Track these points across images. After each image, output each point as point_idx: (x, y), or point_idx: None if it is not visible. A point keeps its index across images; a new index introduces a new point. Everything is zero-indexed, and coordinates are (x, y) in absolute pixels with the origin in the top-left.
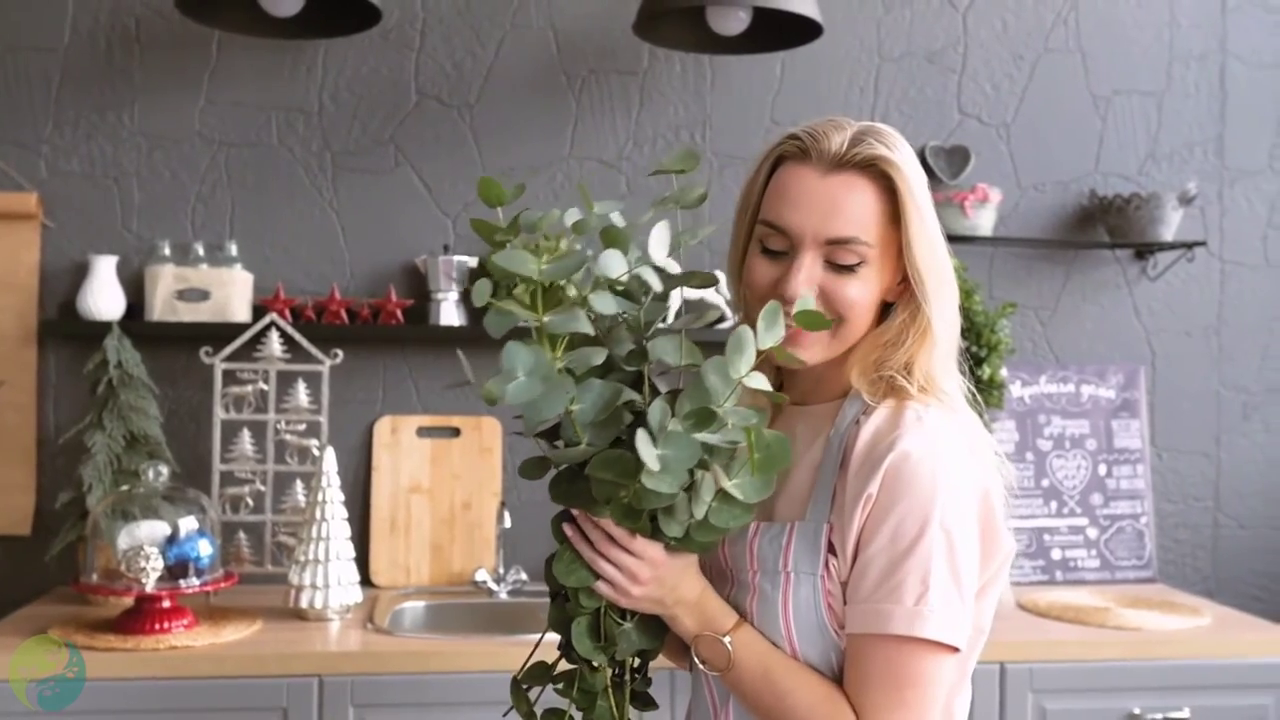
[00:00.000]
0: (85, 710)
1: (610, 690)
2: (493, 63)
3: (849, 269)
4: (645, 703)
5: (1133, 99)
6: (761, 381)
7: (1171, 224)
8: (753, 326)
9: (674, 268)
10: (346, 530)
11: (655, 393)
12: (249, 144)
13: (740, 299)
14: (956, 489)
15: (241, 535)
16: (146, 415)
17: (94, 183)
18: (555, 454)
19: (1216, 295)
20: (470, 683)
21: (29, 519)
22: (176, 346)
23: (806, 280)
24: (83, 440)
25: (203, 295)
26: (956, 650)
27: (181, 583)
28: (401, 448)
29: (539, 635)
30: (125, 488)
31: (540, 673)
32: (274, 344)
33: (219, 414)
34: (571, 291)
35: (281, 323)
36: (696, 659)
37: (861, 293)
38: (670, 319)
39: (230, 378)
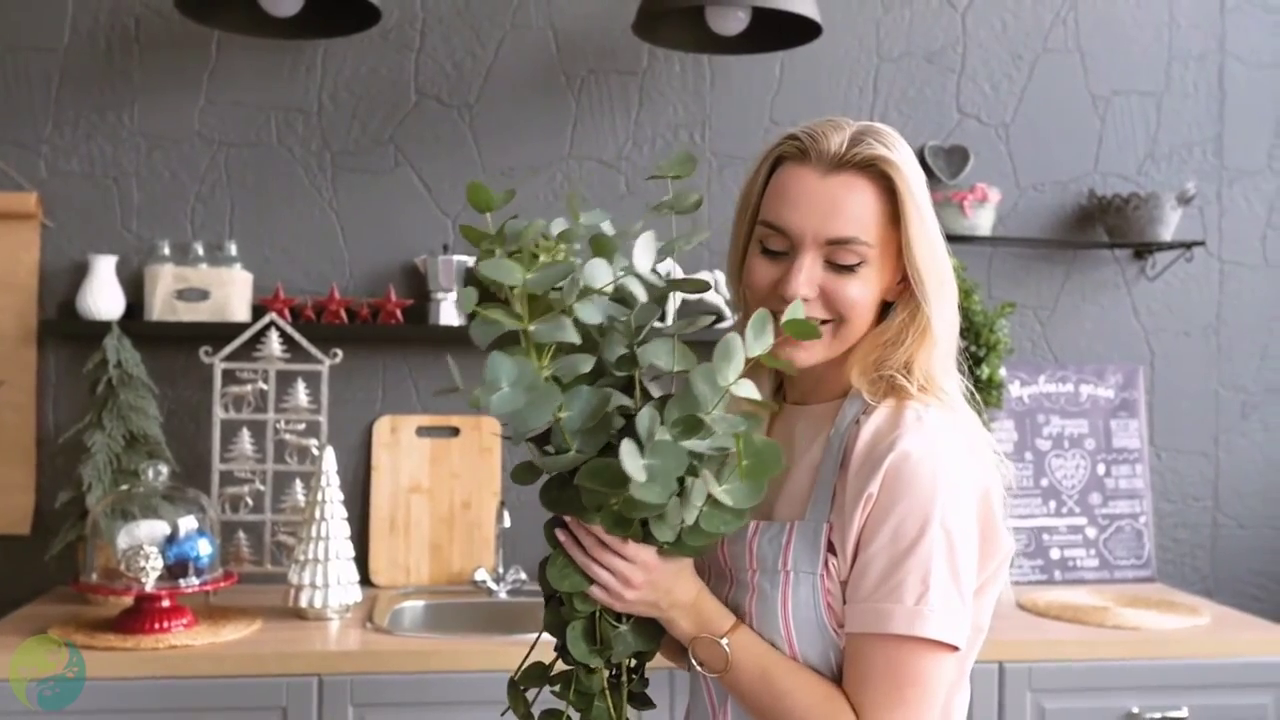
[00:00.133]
0: (85, 710)
1: (607, 692)
2: (492, 63)
3: (849, 269)
4: (643, 703)
5: (1132, 99)
6: (750, 390)
7: (1170, 224)
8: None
9: (676, 271)
10: (346, 530)
11: (647, 397)
12: (248, 144)
13: (740, 299)
14: (956, 488)
15: (241, 535)
16: (146, 415)
17: (94, 182)
18: (543, 462)
19: (1215, 295)
20: (470, 682)
21: (28, 518)
22: (176, 346)
23: (807, 281)
24: (82, 440)
25: (202, 295)
26: (956, 649)
27: (181, 582)
28: (401, 447)
29: (537, 635)
30: (125, 487)
31: (537, 674)
32: (273, 344)
33: (218, 414)
34: (562, 298)
35: (281, 322)
36: (694, 661)
37: (862, 292)
38: (670, 319)
39: (230, 377)
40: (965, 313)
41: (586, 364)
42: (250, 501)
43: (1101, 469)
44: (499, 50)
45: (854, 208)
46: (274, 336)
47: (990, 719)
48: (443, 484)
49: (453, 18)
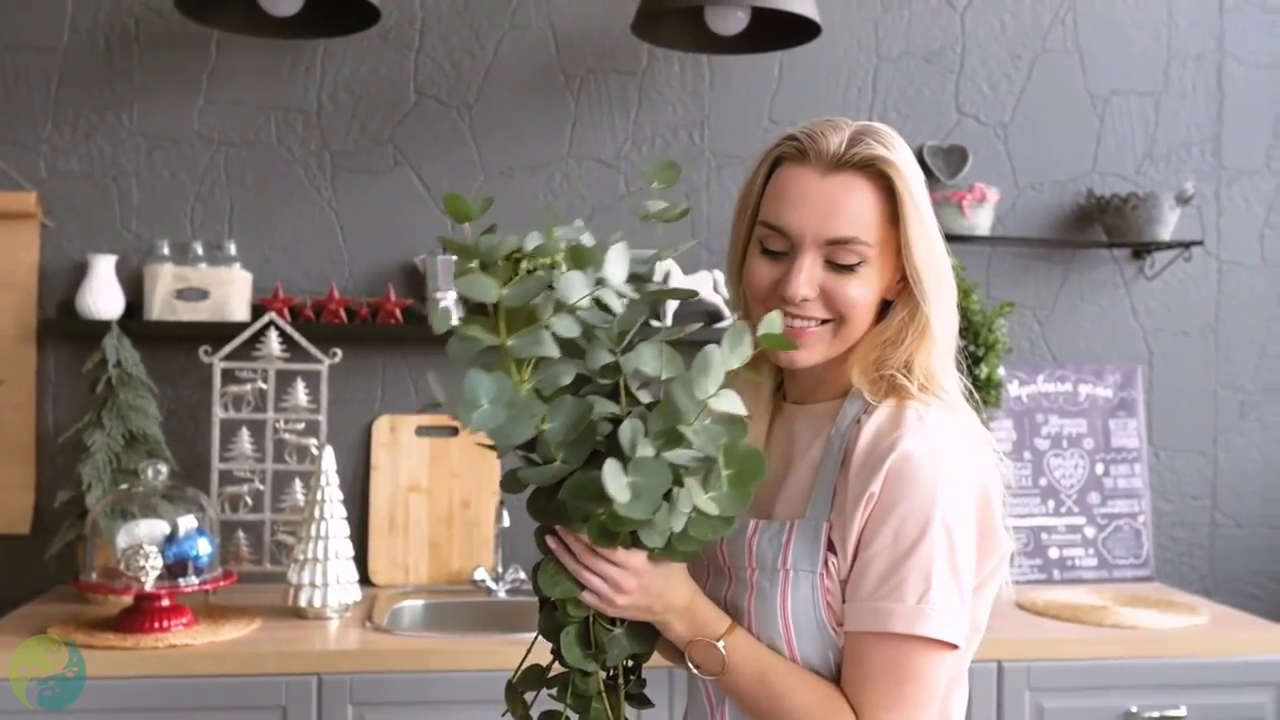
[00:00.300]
0: (84, 709)
1: (604, 694)
2: (491, 62)
3: (849, 269)
4: (641, 702)
5: (1130, 99)
6: (732, 403)
7: (1169, 223)
8: (752, 327)
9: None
10: (345, 529)
11: (634, 403)
12: (248, 144)
13: (740, 299)
14: (957, 488)
15: (240, 534)
16: (145, 414)
17: (93, 182)
18: (527, 475)
19: (1214, 295)
20: (469, 681)
21: (28, 518)
22: (175, 346)
23: (807, 281)
24: (82, 439)
25: (202, 294)
26: (956, 647)
27: (180, 581)
28: (400, 447)
29: (534, 636)
30: (124, 487)
31: (534, 677)
32: (273, 343)
33: (218, 413)
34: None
35: (280, 322)
36: (690, 664)
37: (862, 292)
38: (669, 319)
39: (229, 377)
40: (964, 312)
41: (568, 375)
42: (250, 501)
43: (1100, 468)
44: (498, 50)
45: (853, 208)
46: (273, 336)
47: (989, 718)
48: (442, 483)
49: (452, 17)
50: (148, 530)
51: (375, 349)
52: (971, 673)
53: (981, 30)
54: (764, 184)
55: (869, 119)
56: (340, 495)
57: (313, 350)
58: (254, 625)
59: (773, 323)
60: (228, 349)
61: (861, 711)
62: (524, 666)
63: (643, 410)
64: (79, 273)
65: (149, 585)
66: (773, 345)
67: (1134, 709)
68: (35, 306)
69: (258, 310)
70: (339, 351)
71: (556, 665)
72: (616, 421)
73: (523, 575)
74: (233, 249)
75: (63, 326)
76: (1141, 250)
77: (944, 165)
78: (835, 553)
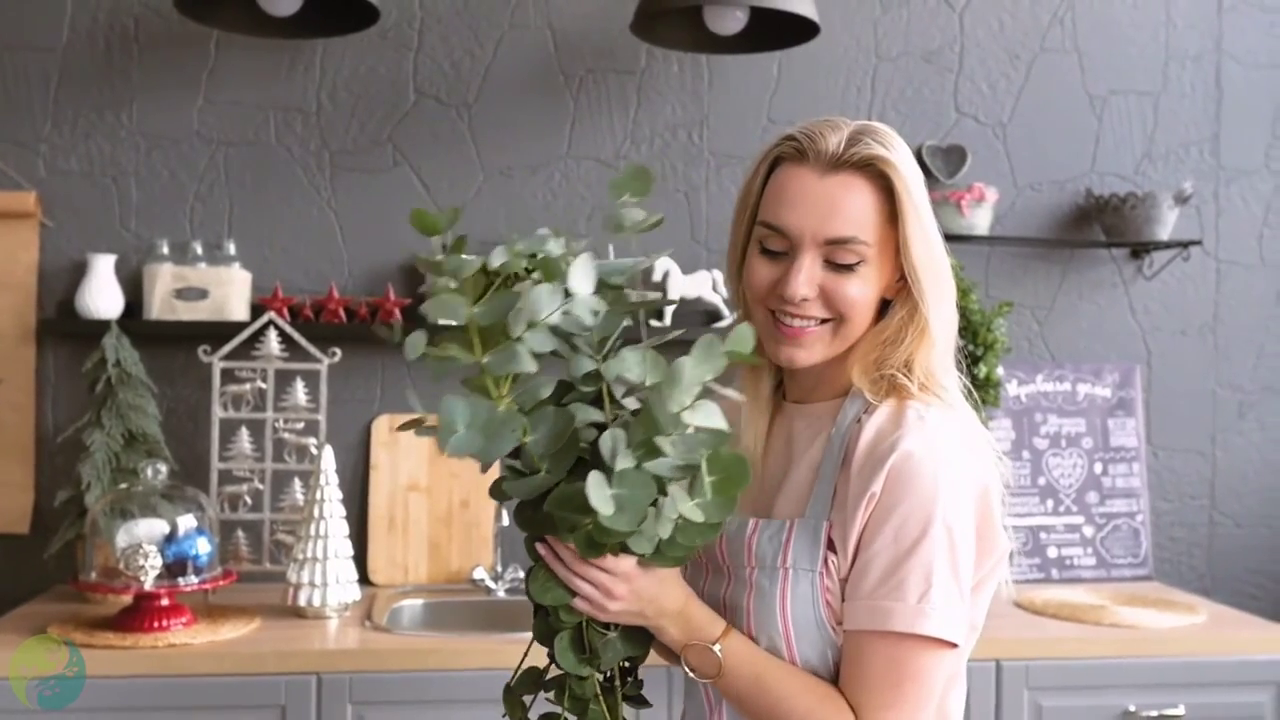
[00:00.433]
0: (84, 708)
1: (601, 696)
2: (491, 62)
3: (848, 268)
4: (639, 703)
5: (1129, 99)
6: (710, 416)
7: (1167, 223)
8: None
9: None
10: (345, 528)
11: (618, 408)
12: (247, 143)
13: (739, 299)
14: (958, 487)
15: (240, 533)
16: (145, 414)
17: (92, 182)
18: (511, 488)
19: (1212, 294)
20: (468, 680)
21: (27, 517)
22: (175, 345)
23: (806, 280)
24: (81, 438)
25: (201, 294)
26: (955, 646)
27: (180, 581)
28: (399, 446)
29: (529, 643)
30: (124, 486)
31: (532, 680)
32: (272, 343)
33: (217, 412)
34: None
35: (280, 321)
36: (686, 668)
37: (861, 291)
38: (668, 318)
39: (228, 376)
40: (963, 312)
41: (547, 388)
42: (249, 500)
43: (1099, 468)
44: (497, 50)
45: (852, 207)
46: (273, 336)
47: (987, 717)
48: (441, 483)
49: (451, 17)
50: (147, 530)
51: (374, 349)
52: (970, 672)
53: (980, 30)
54: (763, 184)
55: (868, 119)
56: (339, 495)
57: (312, 350)
58: (253, 625)
59: (744, 338)
60: (227, 348)
61: (860, 710)
62: (521, 669)
63: (626, 419)
64: (78, 272)
65: (148, 585)
66: (740, 360)
67: (1132, 708)
68: (34, 306)
69: (257, 310)
70: (338, 351)
71: (554, 668)
72: (602, 428)
73: (522, 574)
74: (232, 248)
75: (62, 326)
76: (1140, 250)
77: (943, 165)
78: (835, 552)
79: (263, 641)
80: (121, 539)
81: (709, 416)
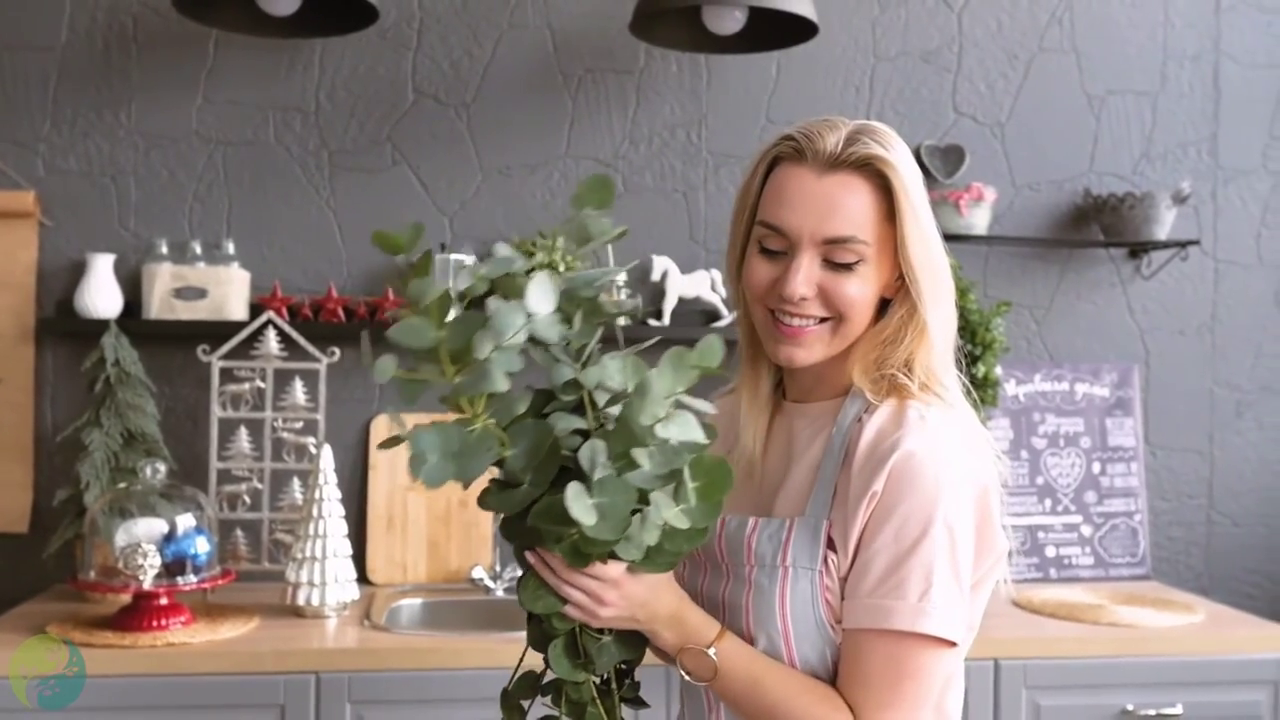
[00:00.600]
0: (82, 707)
1: (598, 700)
2: (489, 62)
3: (847, 267)
4: (637, 704)
5: (1127, 98)
6: (686, 429)
7: (1165, 223)
8: (753, 326)
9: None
10: (343, 528)
11: (599, 415)
12: (246, 143)
13: (739, 299)
14: (959, 488)
15: (239, 533)
16: (144, 413)
17: (91, 181)
18: (494, 502)
19: (1210, 294)
20: (467, 679)
21: (26, 516)
22: (174, 344)
23: (805, 280)
24: (80, 438)
25: (200, 294)
26: (955, 645)
27: (179, 580)
28: (398, 446)
29: (525, 647)
30: (123, 485)
31: (529, 684)
32: (271, 342)
33: (216, 412)
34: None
35: (279, 321)
36: (682, 672)
37: (860, 290)
38: (666, 318)
39: (227, 376)
40: (961, 311)
41: (522, 403)
42: (248, 499)
43: (1097, 467)
44: (496, 49)
45: (850, 207)
46: (271, 335)
47: (986, 716)
48: None
49: (450, 17)
50: (146, 529)
51: (373, 349)
52: (968, 671)
53: (978, 30)
54: (762, 184)
55: (866, 118)
56: (338, 494)
57: (311, 349)
58: (252, 624)
59: (711, 350)
60: (226, 348)
61: (858, 709)
62: (518, 674)
63: (601, 432)
64: (77, 272)
65: (147, 584)
66: (708, 372)
67: (1130, 707)
68: (34, 305)
69: (256, 309)
70: (337, 350)
71: (550, 672)
72: (586, 434)
73: (520, 573)
74: (231, 248)
75: (61, 325)
76: (1138, 250)
77: (941, 165)
78: (835, 550)
79: (261, 641)
80: (120, 538)
81: (684, 428)
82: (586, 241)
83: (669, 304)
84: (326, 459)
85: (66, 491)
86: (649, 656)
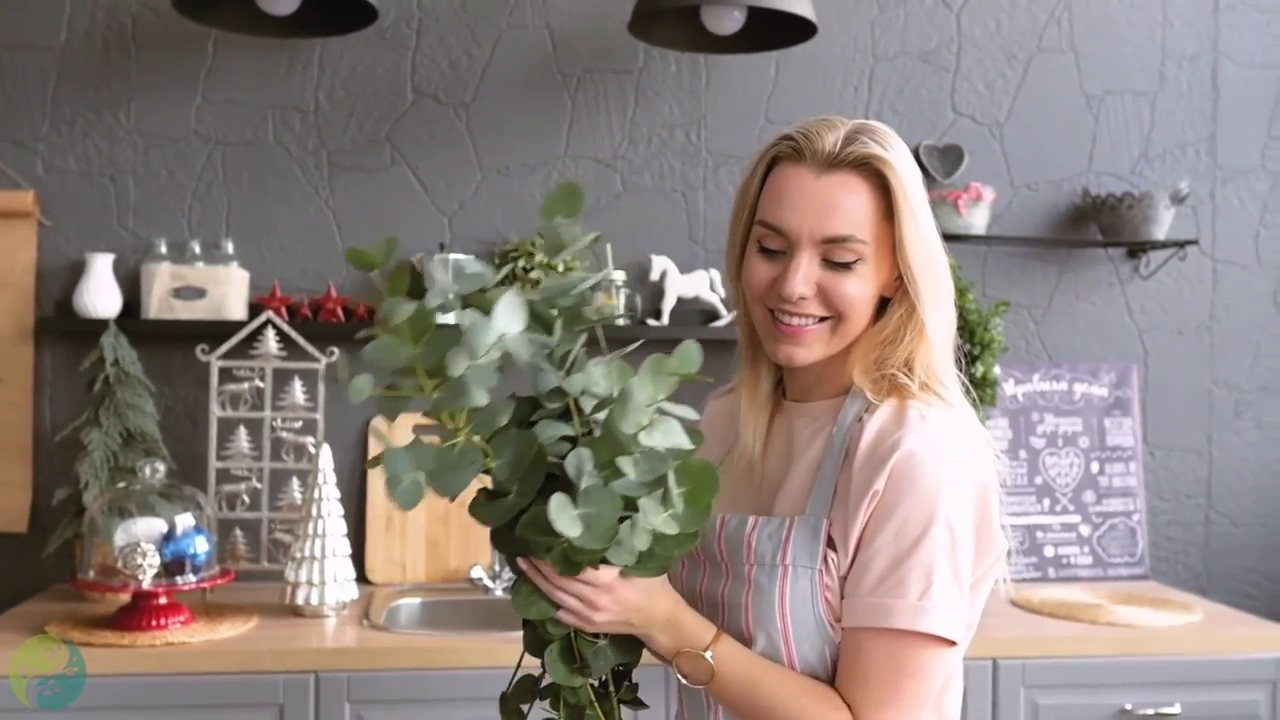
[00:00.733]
0: (82, 706)
1: (596, 703)
2: (488, 62)
3: (846, 266)
4: (636, 705)
5: (1125, 98)
6: (669, 434)
7: (1164, 223)
8: (752, 325)
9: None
10: (342, 527)
11: (586, 422)
12: (245, 142)
13: (738, 298)
14: (959, 487)
15: (238, 532)
16: (143, 413)
17: (90, 181)
18: (481, 514)
19: (1209, 294)
20: (466, 679)
21: (25, 516)
22: (173, 344)
23: (804, 279)
24: (79, 437)
25: (199, 293)
26: (954, 644)
27: (178, 579)
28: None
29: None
30: (122, 485)
31: (527, 688)
32: (270, 342)
33: (215, 411)
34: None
35: (278, 320)
36: (678, 675)
37: (859, 290)
38: (665, 318)
39: (226, 375)
40: (960, 311)
41: (504, 415)
42: (247, 499)
43: (1095, 467)
44: (495, 49)
45: (849, 206)
46: (271, 335)
47: (984, 715)
48: None
49: (449, 17)
50: (145, 528)
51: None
52: (967, 670)
53: (977, 30)
54: (760, 184)
55: (865, 118)
56: (337, 493)
57: (310, 349)
58: (251, 623)
59: (690, 357)
60: (225, 348)
61: (857, 707)
62: (516, 677)
63: (587, 441)
64: (76, 271)
65: (146, 583)
66: (688, 379)
67: (1128, 706)
68: (33, 305)
69: (255, 309)
70: (336, 350)
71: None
72: (574, 440)
73: None
74: (230, 248)
75: (60, 325)
76: (1136, 249)
77: (940, 165)
78: (835, 549)
79: (261, 640)
80: (119, 538)
81: (669, 435)
82: (559, 250)
83: (668, 304)
84: (325, 458)
85: (65, 491)
86: (647, 656)
